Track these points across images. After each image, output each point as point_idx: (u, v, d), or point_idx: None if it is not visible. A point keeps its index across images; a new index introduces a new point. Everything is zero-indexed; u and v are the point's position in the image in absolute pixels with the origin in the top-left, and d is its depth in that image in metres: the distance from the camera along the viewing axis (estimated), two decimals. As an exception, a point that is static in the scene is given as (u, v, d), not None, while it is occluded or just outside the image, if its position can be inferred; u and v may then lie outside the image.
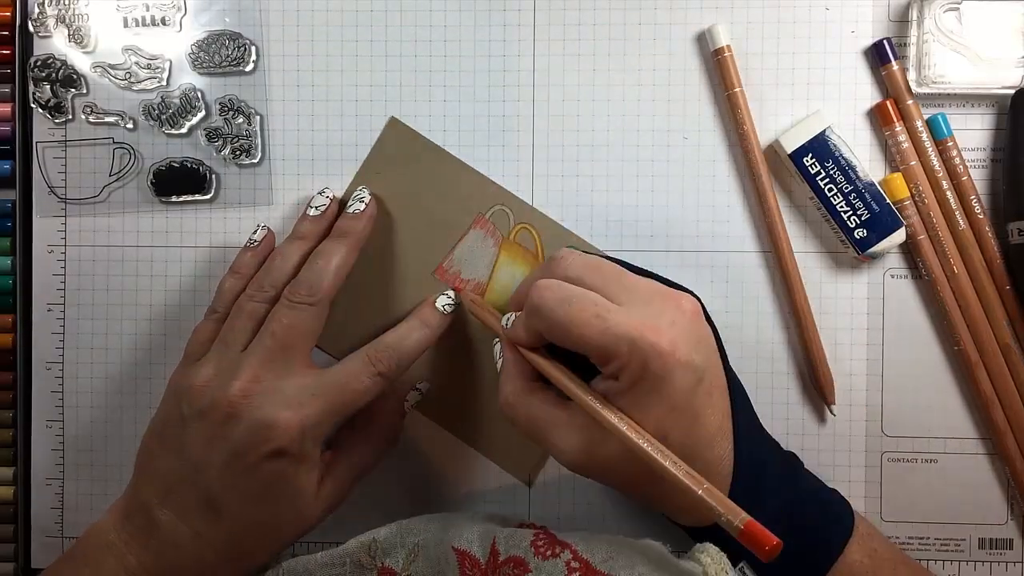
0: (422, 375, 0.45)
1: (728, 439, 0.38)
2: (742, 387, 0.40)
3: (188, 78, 0.46)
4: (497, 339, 0.41)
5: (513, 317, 0.40)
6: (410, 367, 0.42)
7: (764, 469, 0.38)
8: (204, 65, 0.46)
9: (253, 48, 0.46)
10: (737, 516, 0.31)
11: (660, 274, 0.40)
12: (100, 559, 0.39)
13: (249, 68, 0.46)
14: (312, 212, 0.43)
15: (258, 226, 0.45)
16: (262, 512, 0.39)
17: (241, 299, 0.42)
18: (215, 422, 0.38)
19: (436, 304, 0.44)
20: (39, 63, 0.46)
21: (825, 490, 0.41)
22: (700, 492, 0.32)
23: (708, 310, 0.39)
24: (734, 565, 0.38)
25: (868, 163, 0.45)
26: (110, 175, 0.46)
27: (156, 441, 0.40)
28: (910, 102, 0.44)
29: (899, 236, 0.43)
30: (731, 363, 0.40)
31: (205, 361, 0.40)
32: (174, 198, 0.46)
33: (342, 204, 0.44)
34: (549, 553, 0.36)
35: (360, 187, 0.45)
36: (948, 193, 0.44)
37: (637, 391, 0.35)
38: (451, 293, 0.44)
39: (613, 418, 0.35)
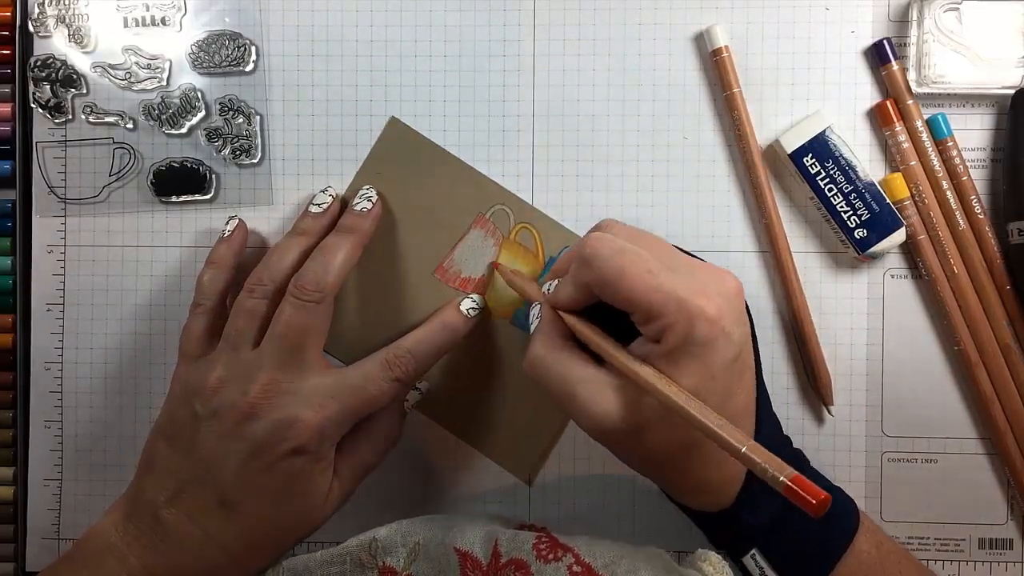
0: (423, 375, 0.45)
1: (751, 423, 0.37)
2: (763, 380, 0.39)
3: (188, 78, 0.46)
4: (536, 303, 0.39)
5: (555, 283, 0.39)
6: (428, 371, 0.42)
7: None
8: (204, 65, 0.46)
9: (253, 48, 0.46)
10: (783, 471, 0.30)
11: (700, 259, 0.39)
12: (100, 561, 0.38)
13: (249, 68, 0.46)
14: (314, 209, 0.43)
15: (229, 217, 0.45)
16: (276, 511, 0.39)
17: (240, 296, 0.41)
18: (232, 421, 0.38)
19: (460, 307, 0.43)
20: (39, 63, 0.46)
21: (830, 485, 0.40)
22: (744, 449, 0.31)
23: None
24: (746, 552, 0.37)
25: (868, 163, 0.45)
26: (110, 175, 0.46)
27: (163, 441, 0.40)
28: (910, 102, 0.44)
29: (899, 236, 0.43)
30: None
31: (213, 361, 0.40)
32: (174, 198, 0.46)
33: (344, 203, 0.44)
34: (551, 556, 0.36)
35: (367, 186, 0.44)
36: (948, 193, 0.44)
37: (678, 355, 0.34)
38: (476, 297, 0.44)
39: (653, 377, 0.33)
